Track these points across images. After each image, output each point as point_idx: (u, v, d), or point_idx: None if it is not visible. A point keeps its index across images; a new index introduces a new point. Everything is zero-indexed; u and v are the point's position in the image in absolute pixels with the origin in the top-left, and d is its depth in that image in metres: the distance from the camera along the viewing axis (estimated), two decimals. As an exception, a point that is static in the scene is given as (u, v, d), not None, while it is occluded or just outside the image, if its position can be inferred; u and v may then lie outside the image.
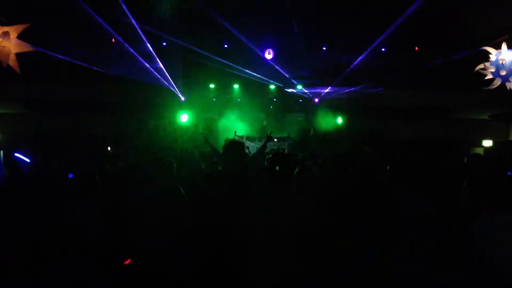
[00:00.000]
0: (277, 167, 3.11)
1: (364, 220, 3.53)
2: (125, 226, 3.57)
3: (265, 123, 15.62)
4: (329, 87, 16.30)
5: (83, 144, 11.29)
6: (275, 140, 14.67)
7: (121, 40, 13.31)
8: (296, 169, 3.85)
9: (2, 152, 9.91)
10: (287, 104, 17.02)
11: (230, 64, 14.51)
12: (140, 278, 3.44)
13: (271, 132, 6.09)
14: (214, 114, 16.48)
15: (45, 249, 3.26)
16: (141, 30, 12.82)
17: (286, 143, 14.85)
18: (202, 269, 3.60)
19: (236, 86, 16.05)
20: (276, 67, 14.83)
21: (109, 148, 10.83)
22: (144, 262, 3.49)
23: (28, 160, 4.30)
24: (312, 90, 16.38)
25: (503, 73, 12.15)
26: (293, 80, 15.90)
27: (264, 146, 5.73)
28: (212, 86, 15.94)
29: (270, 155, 6.05)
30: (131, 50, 13.63)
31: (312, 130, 14.59)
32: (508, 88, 12.30)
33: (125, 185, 4.07)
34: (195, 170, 5.07)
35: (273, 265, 2.95)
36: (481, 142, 15.73)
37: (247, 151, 9.24)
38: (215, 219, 3.58)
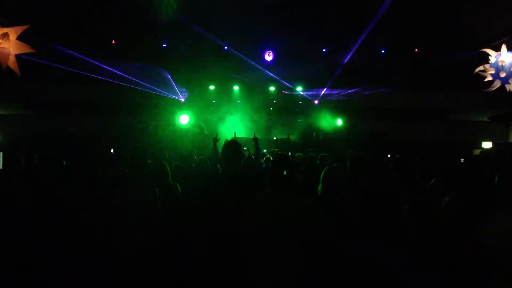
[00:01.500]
0: (284, 172, 3.10)
1: (371, 221, 3.53)
2: (124, 228, 3.56)
3: (269, 124, 15.62)
4: (329, 89, 16.30)
5: (84, 146, 11.27)
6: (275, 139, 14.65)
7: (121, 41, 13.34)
8: (324, 171, 3.81)
9: (1, 153, 9.90)
10: (287, 105, 17.01)
11: (230, 65, 14.52)
12: (141, 279, 3.43)
13: (255, 134, 6.16)
14: (214, 116, 16.46)
15: (49, 248, 3.26)
16: (142, 32, 12.83)
17: (286, 145, 14.83)
18: (203, 271, 3.59)
19: (236, 87, 16.04)
20: (276, 68, 14.83)
21: (112, 151, 10.81)
22: (143, 263, 3.48)
23: None
24: (312, 92, 16.38)
25: (503, 75, 12.16)
26: (293, 82, 15.89)
27: (258, 148, 5.77)
28: (212, 87, 15.93)
29: (272, 157, 6.01)
30: (132, 50, 13.64)
31: (315, 133, 14.57)
32: (507, 90, 12.32)
33: (123, 187, 4.05)
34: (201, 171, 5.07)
35: (274, 267, 2.95)
36: (481, 143, 15.73)
37: (247, 152, 9.23)
38: (217, 220, 3.58)
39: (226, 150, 3.87)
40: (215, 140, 6.01)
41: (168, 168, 4.27)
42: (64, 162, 4.50)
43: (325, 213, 3.18)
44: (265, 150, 12.83)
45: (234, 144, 3.92)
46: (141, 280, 3.44)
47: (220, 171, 4.70)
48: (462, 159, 8.62)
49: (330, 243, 3.14)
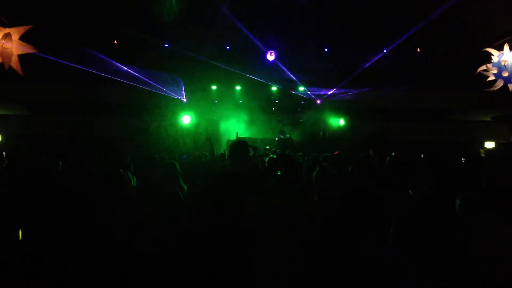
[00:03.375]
0: (279, 172, 3.10)
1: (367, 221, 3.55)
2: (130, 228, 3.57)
3: (280, 125, 15.68)
4: (332, 89, 16.29)
5: (86, 146, 11.29)
6: (277, 140, 14.66)
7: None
8: (316, 171, 3.87)
9: (4, 154, 9.93)
10: (289, 105, 17.01)
11: (232, 65, 14.53)
12: (146, 279, 3.44)
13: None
14: (216, 116, 16.47)
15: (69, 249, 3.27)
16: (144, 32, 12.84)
17: (288, 145, 14.83)
18: (206, 271, 3.59)
19: (238, 87, 16.06)
20: (278, 68, 14.83)
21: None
22: (147, 264, 3.48)
23: None
24: (314, 92, 16.37)
25: (505, 74, 12.14)
26: (295, 82, 15.90)
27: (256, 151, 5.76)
28: (214, 87, 15.95)
29: (274, 156, 6.00)
30: (135, 50, 13.66)
31: (321, 132, 14.56)
32: (510, 90, 12.29)
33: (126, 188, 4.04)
34: (203, 170, 5.05)
35: (277, 267, 2.94)
36: (484, 143, 15.69)
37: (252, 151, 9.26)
38: (222, 219, 3.58)
39: (234, 149, 3.87)
40: (209, 140, 5.99)
41: (178, 168, 4.23)
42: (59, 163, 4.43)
43: (320, 213, 3.20)
44: (267, 147, 12.97)
45: (242, 144, 3.92)
46: (148, 280, 3.45)
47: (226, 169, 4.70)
48: (463, 159, 8.57)
49: (325, 243, 3.14)
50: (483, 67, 12.38)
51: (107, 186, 3.72)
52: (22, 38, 11.16)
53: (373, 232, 3.56)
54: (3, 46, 11.04)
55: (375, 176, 4.17)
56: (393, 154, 8.31)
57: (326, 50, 14.92)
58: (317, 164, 5.56)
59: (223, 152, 9.46)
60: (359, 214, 3.52)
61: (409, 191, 3.53)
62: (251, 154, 5.08)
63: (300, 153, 9.01)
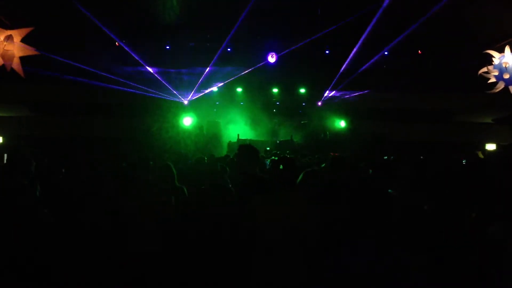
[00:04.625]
0: (281, 166, 3.13)
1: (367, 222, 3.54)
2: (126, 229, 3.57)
3: (276, 127, 15.70)
4: (332, 91, 16.30)
5: (88, 147, 11.30)
6: (278, 142, 14.67)
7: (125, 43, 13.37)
8: (301, 175, 3.86)
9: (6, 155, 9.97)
10: (290, 107, 17.02)
11: (234, 67, 14.57)
12: (144, 279, 3.44)
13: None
14: (217, 117, 16.51)
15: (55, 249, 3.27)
16: (146, 33, 12.89)
17: (289, 146, 14.84)
18: (205, 272, 3.59)
19: (239, 89, 16.09)
20: (279, 70, 14.86)
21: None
22: (144, 265, 3.49)
23: None
24: (315, 94, 16.39)
25: (507, 76, 12.15)
26: (296, 83, 15.92)
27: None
28: (215, 89, 15.97)
29: (275, 158, 6.01)
30: (136, 52, 13.69)
31: (323, 134, 14.57)
32: (511, 92, 12.30)
33: (123, 188, 4.04)
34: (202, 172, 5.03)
35: (277, 269, 2.95)
36: (485, 145, 15.66)
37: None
38: (223, 219, 3.60)
39: (243, 152, 3.93)
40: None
41: (174, 170, 4.23)
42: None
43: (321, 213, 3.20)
44: (268, 148, 13.00)
45: (251, 148, 4.00)
46: (146, 282, 3.45)
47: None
48: (464, 161, 8.57)
49: (325, 245, 3.15)
50: (484, 69, 12.38)
51: (105, 186, 3.73)
52: (24, 40, 11.20)
53: (373, 232, 3.55)
54: (5, 48, 11.08)
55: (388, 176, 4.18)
56: (385, 157, 8.32)
57: (327, 52, 14.94)
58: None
59: (226, 154, 9.45)
60: (366, 214, 3.51)
61: (389, 190, 3.54)
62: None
63: (298, 156, 9.02)
